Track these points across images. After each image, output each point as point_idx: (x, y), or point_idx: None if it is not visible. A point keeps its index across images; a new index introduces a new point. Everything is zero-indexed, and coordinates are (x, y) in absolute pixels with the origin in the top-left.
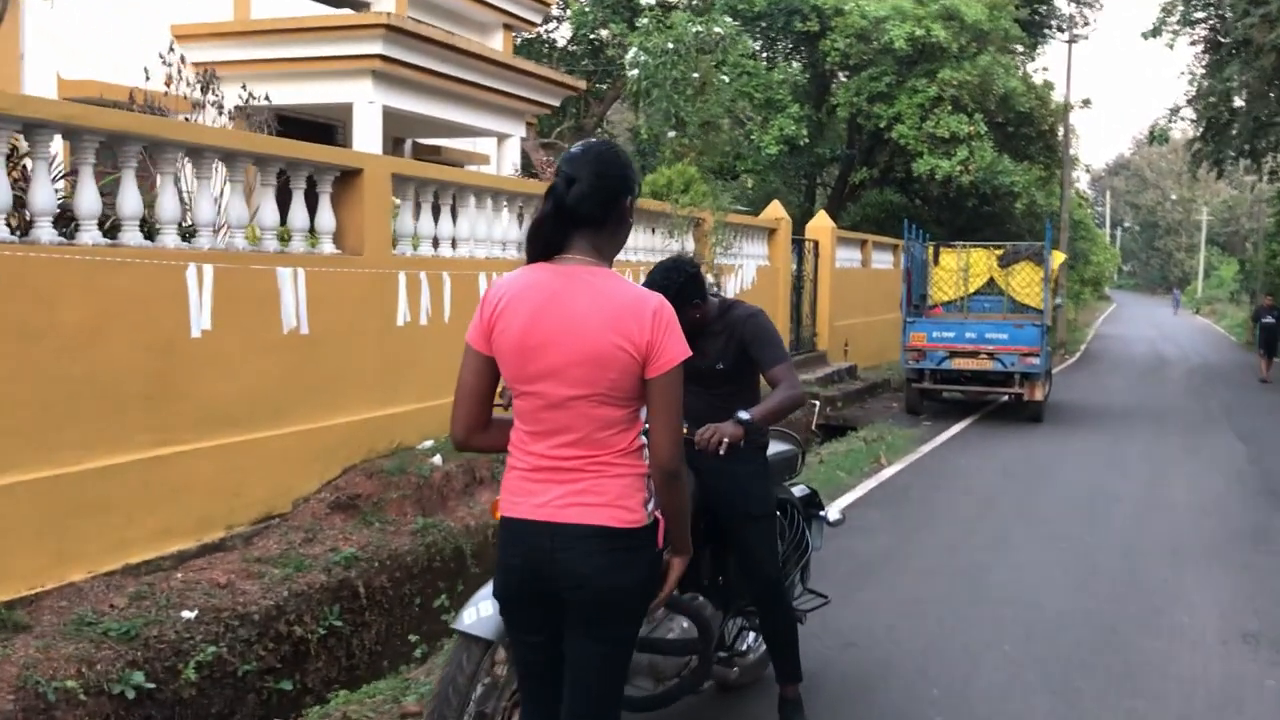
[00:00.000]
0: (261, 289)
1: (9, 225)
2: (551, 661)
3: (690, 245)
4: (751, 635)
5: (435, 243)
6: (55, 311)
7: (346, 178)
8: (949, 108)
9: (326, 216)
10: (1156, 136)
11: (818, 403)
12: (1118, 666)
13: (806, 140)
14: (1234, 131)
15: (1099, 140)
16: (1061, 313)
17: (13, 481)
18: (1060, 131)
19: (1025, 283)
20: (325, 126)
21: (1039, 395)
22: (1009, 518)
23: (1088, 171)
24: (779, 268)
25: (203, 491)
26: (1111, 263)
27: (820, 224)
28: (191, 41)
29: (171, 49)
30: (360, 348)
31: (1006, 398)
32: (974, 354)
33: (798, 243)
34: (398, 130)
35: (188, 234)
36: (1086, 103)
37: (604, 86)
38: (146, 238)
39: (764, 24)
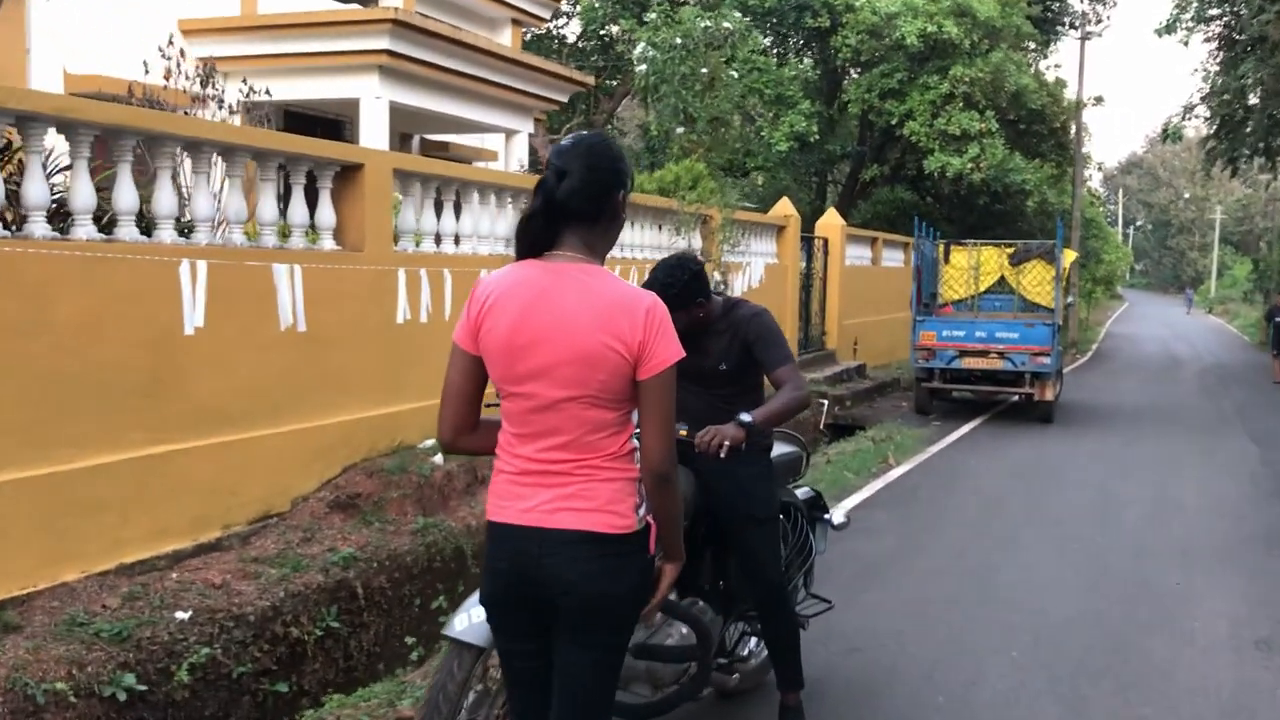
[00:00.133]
0: (258, 286)
1: (3, 221)
2: (540, 670)
3: (697, 242)
4: (753, 641)
5: (438, 239)
6: (48, 308)
7: (347, 173)
8: (961, 105)
9: (327, 212)
10: (1170, 134)
11: (826, 402)
12: (1127, 673)
13: (817, 137)
14: (1248, 129)
15: (1111, 138)
16: (1073, 312)
17: (5, 480)
18: (1072, 129)
19: (1036, 281)
20: (333, 122)
21: (1050, 395)
22: (1018, 519)
23: (1100, 170)
24: (788, 265)
25: (199, 490)
26: (1124, 262)
27: (830, 221)
28: (198, 36)
29: (171, 42)
30: (361, 345)
31: (1017, 398)
32: (984, 353)
33: (807, 240)
34: (405, 126)
35: (186, 229)
36: (1099, 100)
37: (614, 83)
38: (143, 233)
39: (775, 20)
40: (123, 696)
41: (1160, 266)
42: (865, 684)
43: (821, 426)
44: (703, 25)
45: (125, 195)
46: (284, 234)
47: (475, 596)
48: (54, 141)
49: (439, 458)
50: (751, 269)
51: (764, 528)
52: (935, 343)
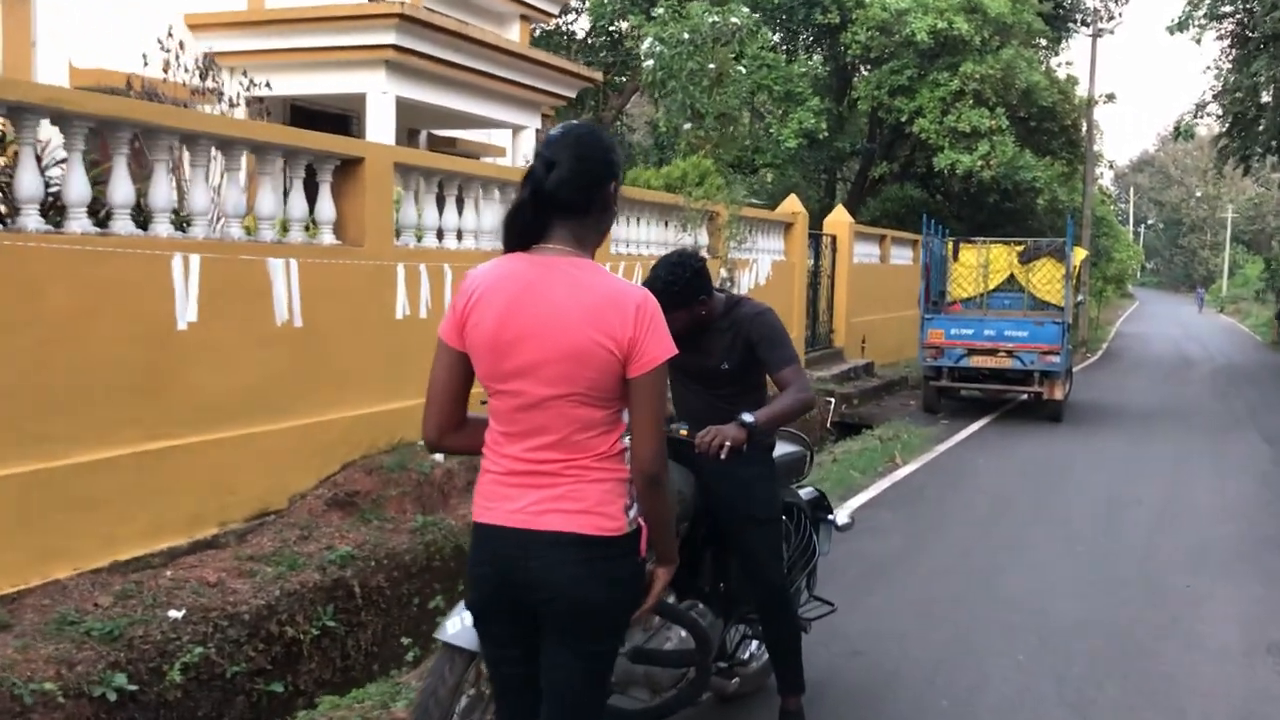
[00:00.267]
0: (253, 280)
1: None
2: (528, 677)
3: (704, 239)
4: (754, 644)
5: (440, 234)
6: (41, 301)
7: (347, 167)
8: (971, 102)
9: (327, 206)
10: (1182, 132)
11: (833, 400)
12: (1135, 678)
13: (826, 134)
14: (1261, 127)
15: (1123, 136)
16: (1083, 310)
17: None
18: (1083, 127)
19: (1046, 279)
20: (340, 117)
21: (1059, 394)
22: (1025, 520)
23: (1111, 168)
24: (795, 263)
25: (195, 487)
26: (1134, 260)
27: (838, 219)
28: (205, 31)
29: (170, 34)
30: (361, 341)
31: (1026, 396)
32: (993, 352)
33: (815, 237)
34: (413, 121)
35: (183, 223)
36: (1110, 97)
37: (623, 79)
38: (139, 227)
39: (784, 16)
40: (113, 697)
41: (1171, 265)
42: (867, 687)
43: (828, 424)
44: (710, 20)
45: (120, 188)
46: (284, 228)
47: None
48: (54, 134)
49: (439, 455)
50: (758, 266)
51: (765, 529)
52: (943, 341)
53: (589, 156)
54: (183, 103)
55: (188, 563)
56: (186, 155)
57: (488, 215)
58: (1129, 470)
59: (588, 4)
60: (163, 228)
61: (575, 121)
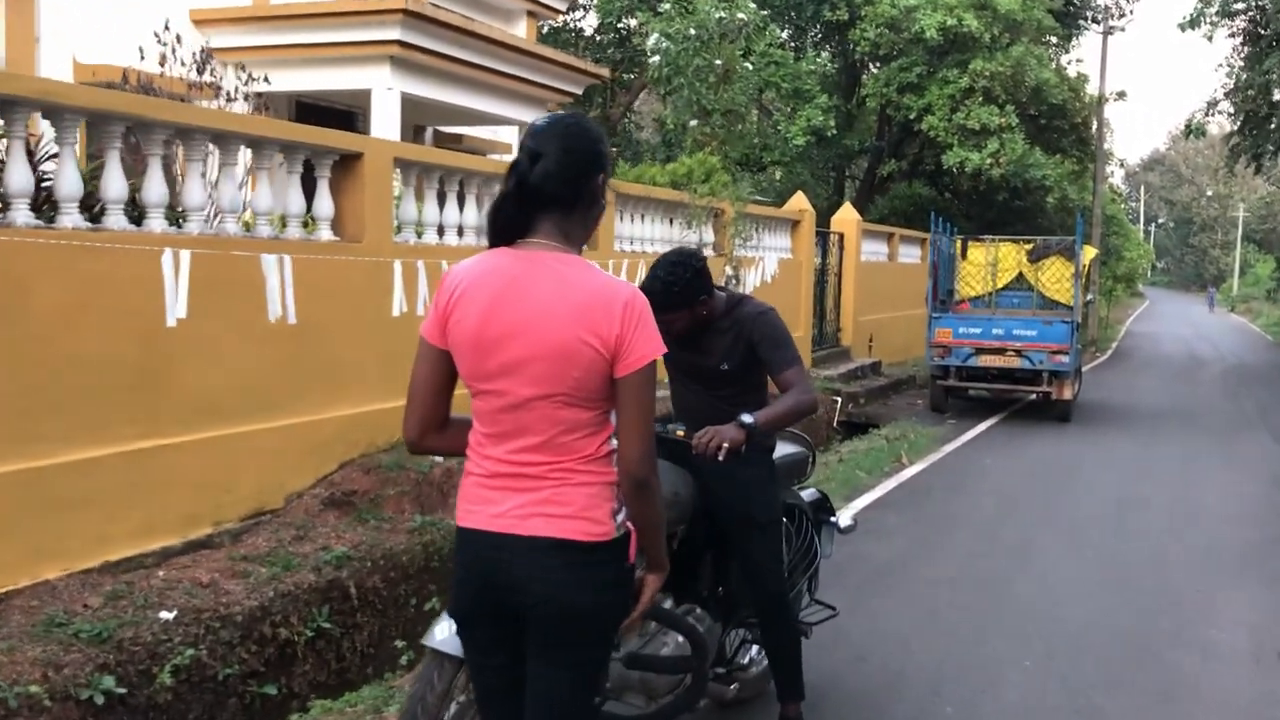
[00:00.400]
0: (245, 276)
1: None
2: (513, 686)
3: (709, 236)
4: (754, 648)
5: (441, 231)
6: (31, 297)
7: (346, 162)
8: (980, 99)
9: (325, 202)
10: (1193, 130)
11: (839, 399)
12: (1145, 685)
13: (835, 132)
14: (1273, 125)
15: (1133, 134)
16: (1093, 309)
17: None
18: (1094, 124)
19: (1055, 278)
20: (346, 113)
21: (1068, 394)
22: (1033, 523)
23: (1121, 166)
24: (802, 261)
25: (189, 486)
26: (1145, 259)
27: (845, 216)
28: (210, 27)
29: (166, 28)
30: (360, 338)
31: (1034, 396)
32: (1001, 351)
33: (822, 235)
34: (418, 118)
35: (179, 219)
36: (1121, 95)
37: (631, 76)
38: (134, 222)
39: (793, 13)
40: (101, 700)
41: (1182, 264)
42: (870, 694)
43: (834, 424)
44: (717, 16)
45: (113, 183)
46: (282, 224)
47: None
48: (48, 129)
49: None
50: (765, 264)
51: (765, 532)
52: (951, 340)
53: (576, 148)
54: (180, 97)
55: (181, 563)
56: (181, 150)
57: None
58: (1138, 471)
59: (595, 1)
60: (156, 223)
61: (563, 112)
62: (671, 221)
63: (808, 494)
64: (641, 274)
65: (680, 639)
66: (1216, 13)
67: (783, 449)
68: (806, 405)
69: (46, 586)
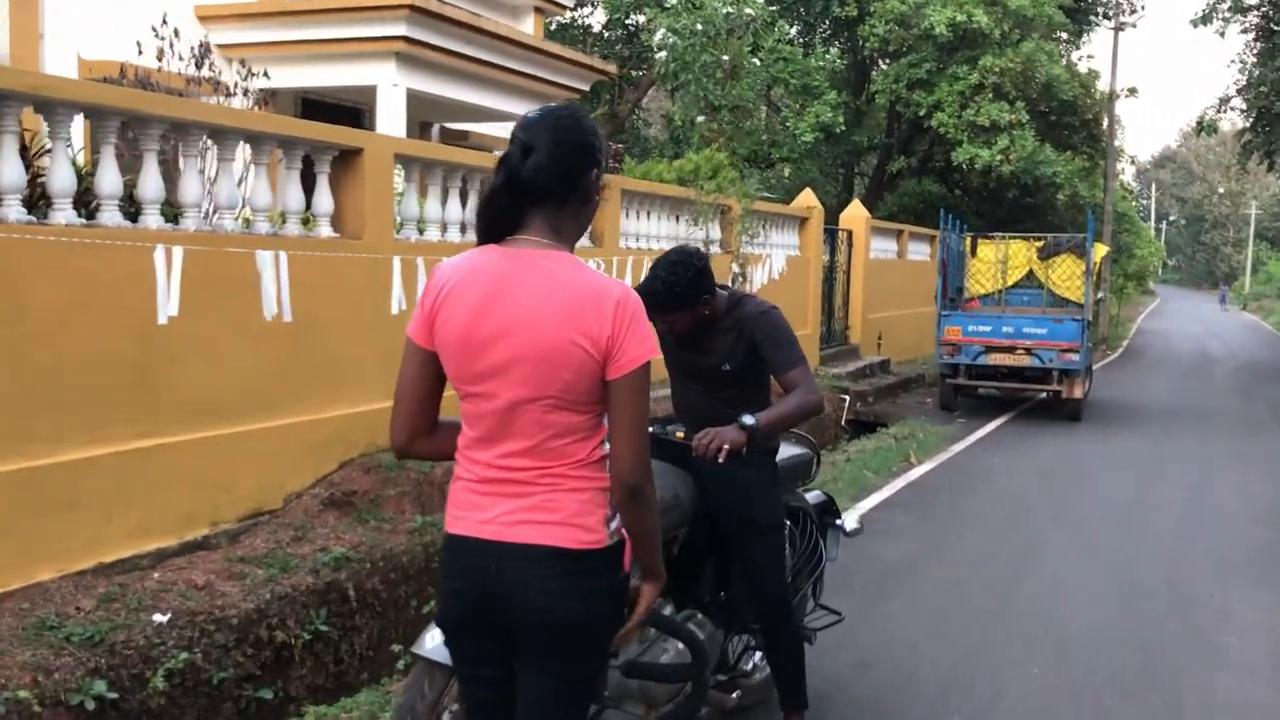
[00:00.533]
0: (240, 273)
1: None
2: (504, 698)
3: (716, 233)
4: (757, 654)
5: (444, 227)
6: (23, 295)
7: (346, 158)
8: (990, 95)
9: (324, 198)
10: (1205, 127)
11: (847, 397)
12: (1157, 692)
13: (844, 128)
14: None
15: (1145, 131)
16: (1103, 307)
17: None
18: (1104, 121)
19: (1066, 276)
20: (352, 110)
21: (1078, 393)
22: (1043, 524)
23: (1132, 163)
24: (810, 258)
25: (186, 486)
26: (1156, 257)
27: (854, 213)
28: (215, 23)
29: (164, 22)
30: (360, 336)
31: (1044, 395)
32: (1011, 349)
33: (830, 232)
34: (425, 114)
35: (176, 215)
36: (1132, 91)
37: (639, 72)
38: (130, 219)
39: (802, 9)
40: (92, 705)
41: (1193, 262)
42: (876, 701)
43: (842, 423)
44: (724, 11)
45: (107, 179)
46: (282, 220)
47: None
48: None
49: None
50: (772, 261)
51: (766, 537)
52: (961, 338)
53: (569, 141)
54: (178, 92)
55: (176, 564)
56: (177, 146)
57: None
58: (1150, 472)
59: None
60: (152, 219)
61: (555, 104)
62: (678, 218)
63: (812, 496)
64: (646, 272)
65: (680, 646)
66: (1229, 8)
67: (787, 451)
68: (811, 406)
69: (39, 588)
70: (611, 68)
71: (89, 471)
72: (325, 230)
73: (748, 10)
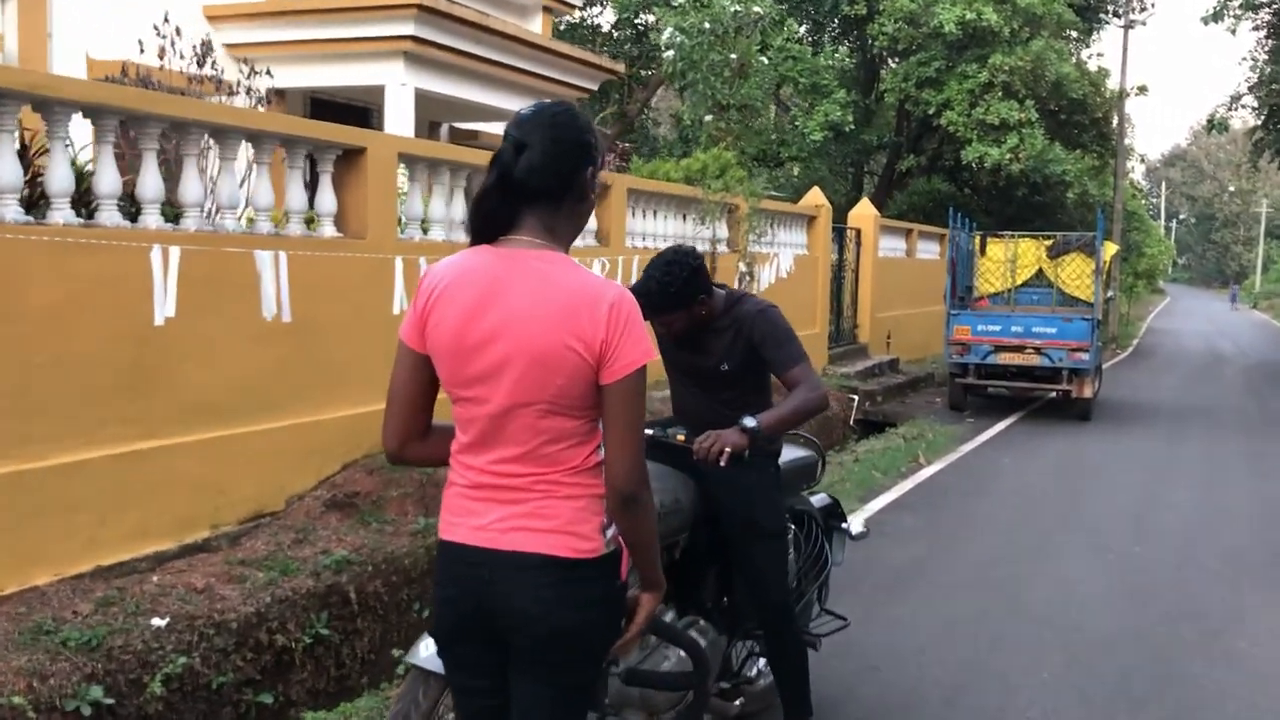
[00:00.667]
0: (238, 274)
1: None
2: (498, 709)
3: (723, 232)
4: (761, 660)
5: (449, 226)
6: (20, 295)
7: (349, 157)
8: (1000, 94)
9: (327, 197)
10: (1215, 125)
11: (856, 397)
12: (1169, 699)
13: (853, 127)
14: None
15: (1154, 130)
16: (1113, 306)
17: None
18: (1114, 119)
19: (1075, 275)
20: (361, 110)
21: (1088, 392)
22: (1053, 525)
23: (1142, 161)
24: (818, 257)
25: (186, 488)
26: (1166, 255)
27: (863, 212)
28: (224, 22)
29: (166, 20)
30: (363, 337)
31: (1054, 394)
32: (1020, 348)
33: (839, 231)
34: (434, 114)
35: (177, 215)
36: (1142, 90)
37: (648, 72)
38: (130, 218)
39: (811, 8)
40: (88, 711)
41: (1203, 261)
42: (881, 707)
43: (850, 422)
44: (732, 10)
45: (106, 178)
46: (285, 220)
47: None
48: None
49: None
50: (780, 260)
51: (769, 542)
52: (970, 337)
53: (564, 139)
54: (180, 90)
55: (175, 568)
56: (177, 145)
57: None
58: (1161, 472)
59: None
60: (152, 219)
61: (549, 100)
62: (685, 217)
63: (818, 499)
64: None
65: (681, 654)
66: (1240, 5)
67: (791, 453)
68: (815, 403)
69: (35, 592)
70: (620, 67)
71: (86, 474)
72: (328, 230)
73: (755, 8)
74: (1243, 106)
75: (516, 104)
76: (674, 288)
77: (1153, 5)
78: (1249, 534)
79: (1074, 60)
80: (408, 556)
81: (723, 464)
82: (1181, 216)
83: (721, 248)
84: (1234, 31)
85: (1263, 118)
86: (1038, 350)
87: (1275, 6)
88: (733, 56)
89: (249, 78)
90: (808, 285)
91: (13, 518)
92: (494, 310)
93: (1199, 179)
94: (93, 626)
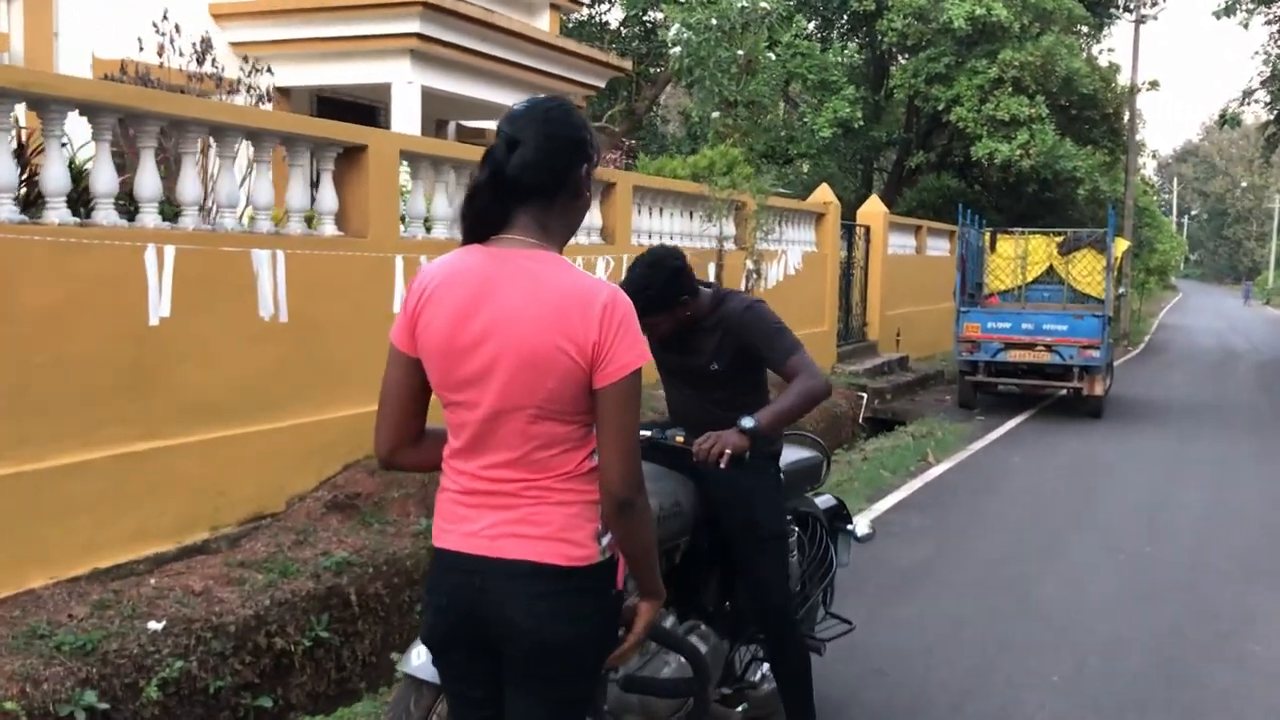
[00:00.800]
0: (235, 273)
1: None
2: (494, 718)
3: (730, 229)
4: (765, 665)
5: (453, 225)
6: (15, 295)
7: (351, 155)
8: (1010, 89)
9: (328, 196)
10: (1228, 120)
11: (865, 395)
12: (1180, 702)
13: (862, 123)
14: None
15: (1166, 125)
16: (1125, 303)
17: None
18: (1125, 115)
19: (1086, 271)
20: (368, 108)
21: (1099, 390)
22: (1063, 525)
23: (1154, 157)
24: (827, 254)
25: (185, 489)
26: (1178, 251)
27: (872, 209)
28: (230, 21)
29: (165, 17)
30: (365, 336)
31: (1065, 392)
32: (1031, 346)
33: (848, 228)
34: (441, 112)
35: (177, 214)
36: (1154, 85)
37: (657, 69)
38: (128, 217)
39: (819, 4)
40: (82, 716)
41: (1216, 257)
42: (887, 711)
43: (860, 421)
44: (739, 6)
45: (102, 177)
46: (285, 218)
47: None
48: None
49: None
50: (788, 257)
51: (769, 544)
52: (980, 334)
53: (558, 135)
54: (179, 88)
55: (173, 570)
56: (176, 143)
57: None
58: (1173, 470)
59: None
60: (149, 218)
61: (544, 95)
62: (692, 215)
63: (823, 500)
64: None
65: (681, 660)
66: (1252, 0)
67: (795, 454)
68: (817, 391)
69: (31, 596)
70: (627, 64)
71: (84, 475)
72: (329, 228)
73: (763, 4)
74: (1255, 101)
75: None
76: (654, 290)
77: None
78: (1261, 534)
79: (1085, 55)
80: (409, 558)
81: (723, 466)
82: (1193, 212)
83: (729, 245)
84: (1246, 26)
85: (1275, 112)
86: (1048, 347)
87: None
88: (740, 53)
89: (249, 75)
90: (816, 282)
91: (9, 520)
92: (484, 311)
93: (1211, 174)
94: (88, 630)
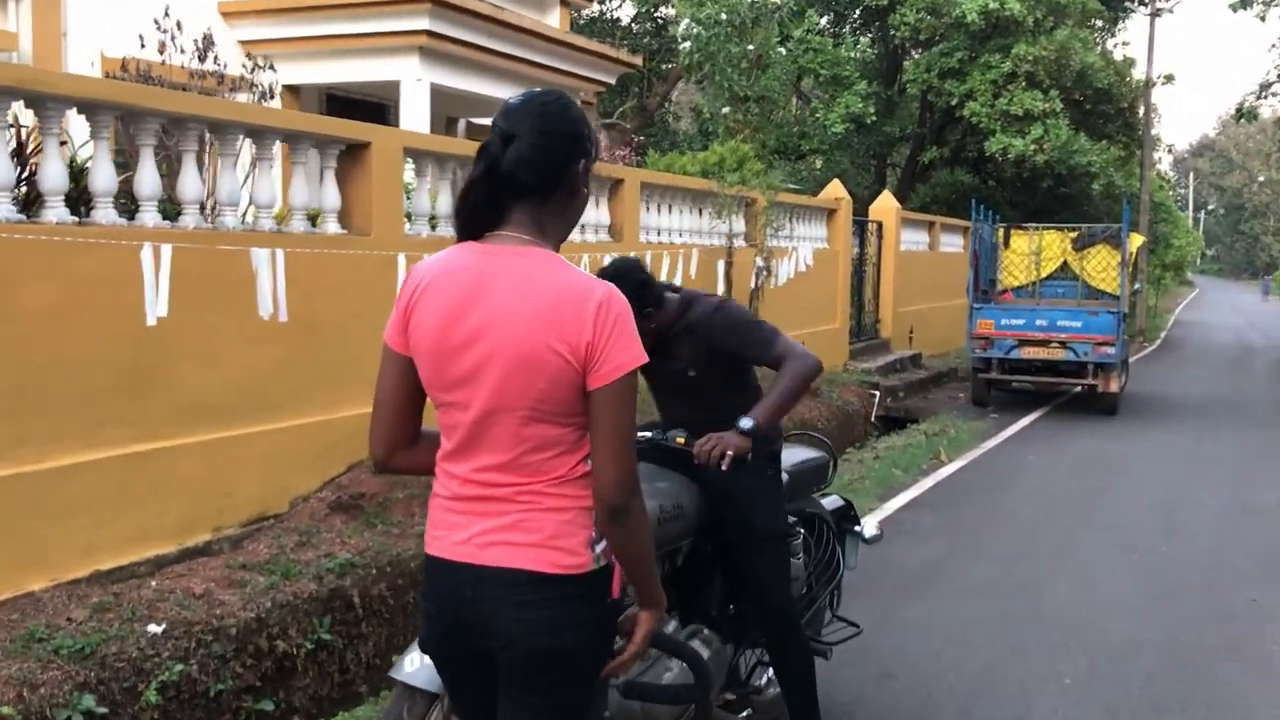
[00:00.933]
0: (236, 273)
1: None
2: None
3: (740, 226)
4: (770, 669)
5: None
6: (14, 295)
7: (354, 152)
8: (1023, 84)
9: (331, 193)
10: (1244, 114)
11: (877, 393)
12: (1195, 705)
13: (875, 119)
14: None
15: (1182, 119)
16: (1140, 299)
17: None
18: (1141, 109)
19: (1101, 267)
20: (377, 106)
21: (1114, 387)
22: (1076, 524)
23: (1170, 152)
24: (839, 250)
25: (186, 490)
26: (1194, 247)
27: (884, 205)
28: (238, 19)
29: (166, 14)
30: (369, 335)
31: (1079, 389)
32: (1045, 343)
33: (860, 224)
34: (451, 110)
35: (177, 212)
36: (1169, 79)
37: (668, 65)
38: (127, 216)
39: None
40: None
41: (1232, 252)
42: (897, 713)
43: (872, 419)
44: (749, 1)
45: (101, 175)
46: (288, 216)
47: None
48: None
49: None
50: (799, 254)
51: (769, 548)
52: (993, 331)
53: (555, 130)
54: (180, 85)
55: (175, 572)
56: (176, 141)
57: None
58: (1189, 469)
59: None
60: (149, 216)
61: (541, 89)
62: (701, 211)
63: (829, 501)
64: (666, 266)
65: (683, 665)
66: None
67: (802, 454)
68: (806, 371)
69: (30, 598)
70: (638, 60)
71: (84, 476)
72: (332, 227)
73: None
74: (1272, 95)
75: None
76: None
77: None
78: (1278, 533)
79: (1099, 49)
80: (414, 559)
81: (724, 467)
82: (1210, 207)
83: (739, 242)
84: (1263, 18)
85: None
86: (1063, 344)
87: None
88: (750, 48)
89: (252, 72)
90: (828, 279)
91: (9, 521)
92: (477, 310)
93: (1227, 169)
94: (87, 633)
